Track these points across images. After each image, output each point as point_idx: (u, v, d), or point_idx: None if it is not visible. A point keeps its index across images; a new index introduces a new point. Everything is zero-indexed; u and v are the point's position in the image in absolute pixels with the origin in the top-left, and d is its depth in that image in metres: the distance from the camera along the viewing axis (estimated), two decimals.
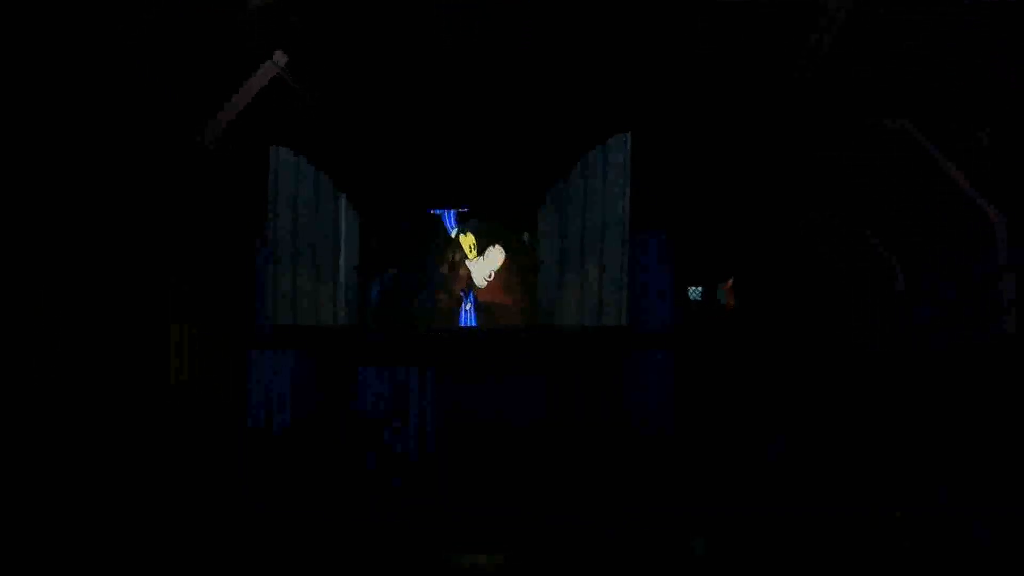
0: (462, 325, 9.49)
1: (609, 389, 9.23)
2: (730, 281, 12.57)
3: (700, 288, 12.52)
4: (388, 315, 9.86)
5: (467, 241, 9.83)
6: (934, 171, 10.18)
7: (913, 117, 9.96)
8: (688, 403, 9.46)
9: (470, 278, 9.72)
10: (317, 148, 9.52)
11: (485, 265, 9.73)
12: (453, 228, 9.87)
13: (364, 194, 9.88)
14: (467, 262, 9.77)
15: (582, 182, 9.39)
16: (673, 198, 10.84)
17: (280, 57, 8.47)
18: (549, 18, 8.57)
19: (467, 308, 9.54)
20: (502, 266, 9.67)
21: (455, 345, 9.58)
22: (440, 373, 9.43)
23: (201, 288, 9.58)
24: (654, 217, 10.17)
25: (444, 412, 9.31)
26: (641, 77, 9.69)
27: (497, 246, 9.72)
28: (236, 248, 9.86)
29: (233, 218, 9.81)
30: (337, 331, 9.48)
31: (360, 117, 9.74)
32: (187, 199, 9.29)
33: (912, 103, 9.83)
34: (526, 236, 9.71)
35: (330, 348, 9.60)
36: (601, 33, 8.89)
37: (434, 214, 9.90)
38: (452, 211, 9.92)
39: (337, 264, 9.58)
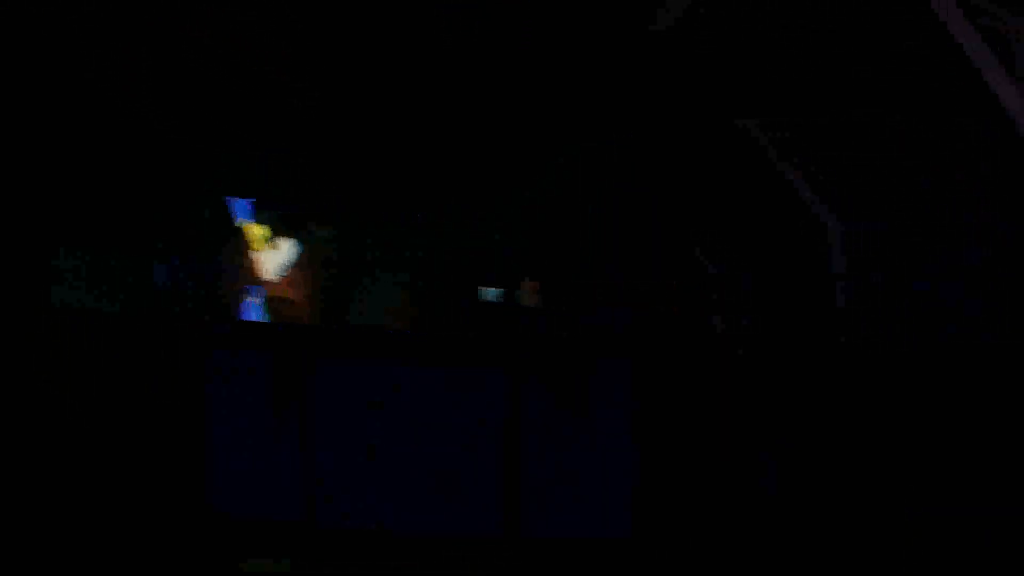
0: (244, 319, 9.19)
1: None
2: (532, 281, 12.21)
3: (497, 290, 12.14)
4: (173, 303, 9.45)
5: (259, 231, 9.53)
6: (772, 174, 10.31)
7: (755, 116, 10.01)
8: None
9: (259, 270, 9.42)
10: None
11: (276, 257, 9.44)
12: (245, 217, 9.55)
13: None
14: (258, 253, 9.47)
15: None
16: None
17: None
18: None
19: (253, 302, 9.25)
20: (294, 260, 9.41)
21: None
22: None
23: None
24: None
25: None
26: (466, 64, 9.56)
27: (290, 238, 9.44)
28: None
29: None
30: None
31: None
32: None
33: (752, 102, 9.88)
34: (324, 231, 9.45)
35: None
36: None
37: (227, 201, 9.55)
38: (246, 199, 9.60)
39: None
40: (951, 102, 8.58)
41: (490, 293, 12.29)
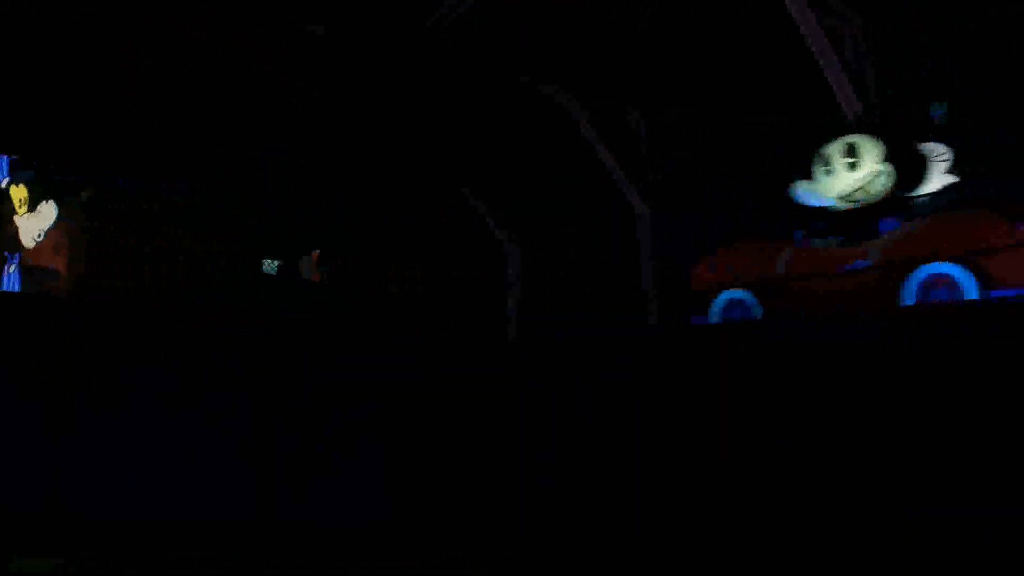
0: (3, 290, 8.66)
1: None
2: (316, 252, 11.85)
3: (276, 262, 11.67)
4: None
5: (18, 194, 8.97)
6: (581, 150, 9.86)
7: (563, 84, 9.52)
8: None
9: (18, 236, 8.87)
10: None
11: (36, 223, 8.89)
12: (3, 177, 8.98)
13: None
14: (15, 218, 8.92)
15: None
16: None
17: None
18: None
19: (10, 271, 8.72)
20: (55, 226, 8.78)
21: None
22: None
23: None
24: None
25: None
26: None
27: (51, 202, 8.77)
28: None
29: None
30: None
31: None
32: None
33: (561, 69, 9.41)
34: (86, 195, 8.86)
35: None
36: None
37: None
38: (3, 157, 9.02)
39: None
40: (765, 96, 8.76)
41: (270, 265, 11.74)
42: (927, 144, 6.23)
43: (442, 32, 9.10)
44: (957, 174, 6.12)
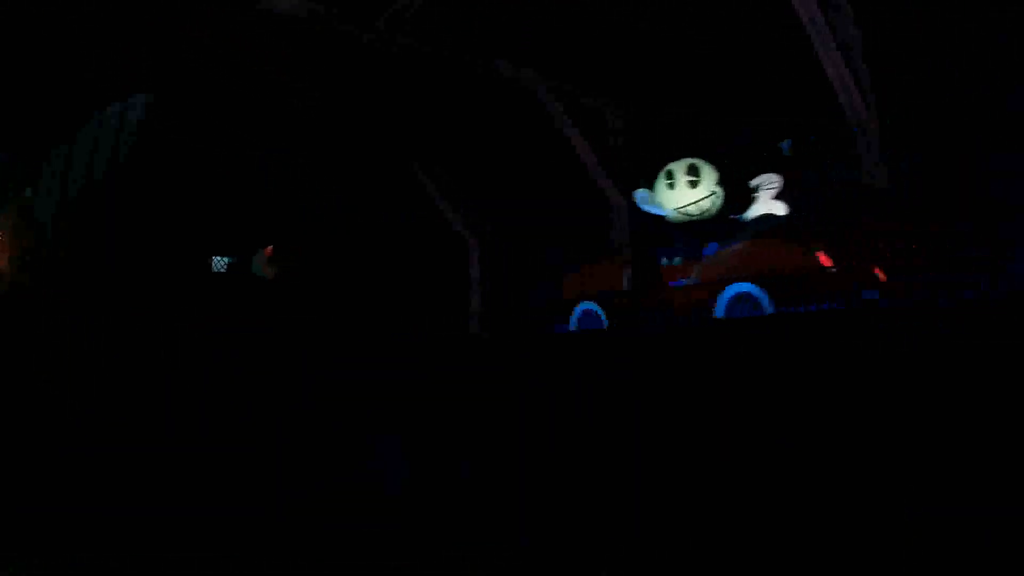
0: None
1: None
2: (269, 248, 12.00)
3: (226, 259, 11.86)
4: None
5: None
6: (554, 140, 9.69)
7: (537, 68, 9.33)
8: None
9: None
10: None
11: None
12: None
13: None
14: None
15: (93, 140, 9.27)
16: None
17: None
18: None
19: None
20: None
21: None
22: None
23: None
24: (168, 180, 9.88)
25: None
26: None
27: None
28: None
29: None
30: None
31: None
32: None
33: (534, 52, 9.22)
34: (29, 191, 9.20)
35: None
36: None
37: None
38: None
39: None
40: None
41: (220, 262, 11.96)
42: (764, 174, 6.73)
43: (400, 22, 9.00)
44: (787, 202, 6.61)
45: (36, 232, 9.06)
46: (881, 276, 5.85)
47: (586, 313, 7.26)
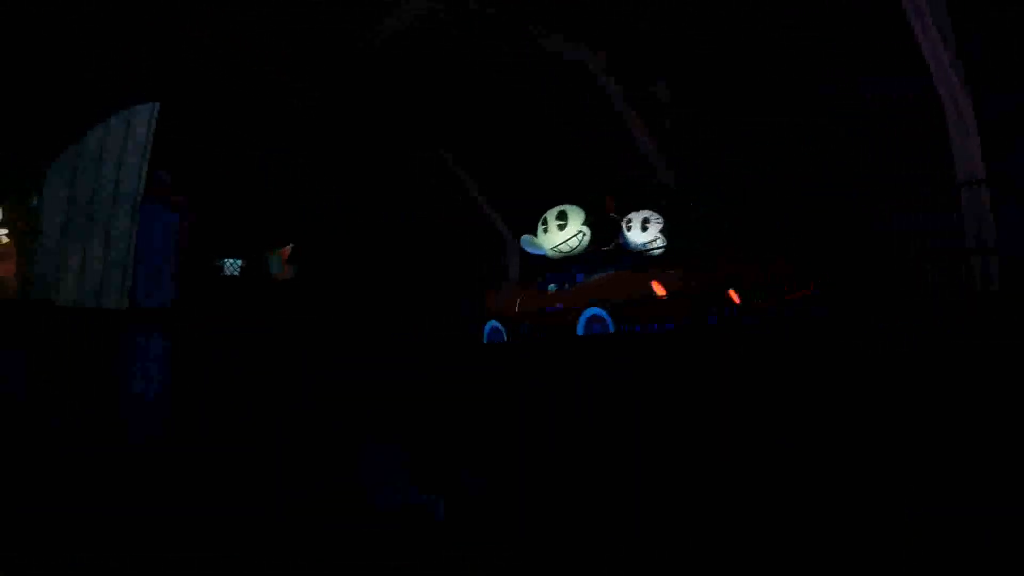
0: None
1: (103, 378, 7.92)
2: (287, 248, 12.75)
3: (239, 260, 12.54)
4: None
5: None
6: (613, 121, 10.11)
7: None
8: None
9: None
10: None
11: None
12: None
13: None
14: None
15: (99, 148, 9.34)
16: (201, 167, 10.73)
17: None
18: None
19: None
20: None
21: None
22: None
23: None
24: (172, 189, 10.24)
25: None
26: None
27: None
28: None
29: None
30: None
31: None
32: None
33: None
34: (35, 199, 9.22)
35: None
36: None
37: None
38: None
39: None
40: None
41: (231, 264, 12.61)
42: (647, 211, 7.94)
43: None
44: (665, 235, 7.81)
45: (43, 239, 9.20)
46: (735, 298, 7.03)
47: (493, 328, 8.61)
